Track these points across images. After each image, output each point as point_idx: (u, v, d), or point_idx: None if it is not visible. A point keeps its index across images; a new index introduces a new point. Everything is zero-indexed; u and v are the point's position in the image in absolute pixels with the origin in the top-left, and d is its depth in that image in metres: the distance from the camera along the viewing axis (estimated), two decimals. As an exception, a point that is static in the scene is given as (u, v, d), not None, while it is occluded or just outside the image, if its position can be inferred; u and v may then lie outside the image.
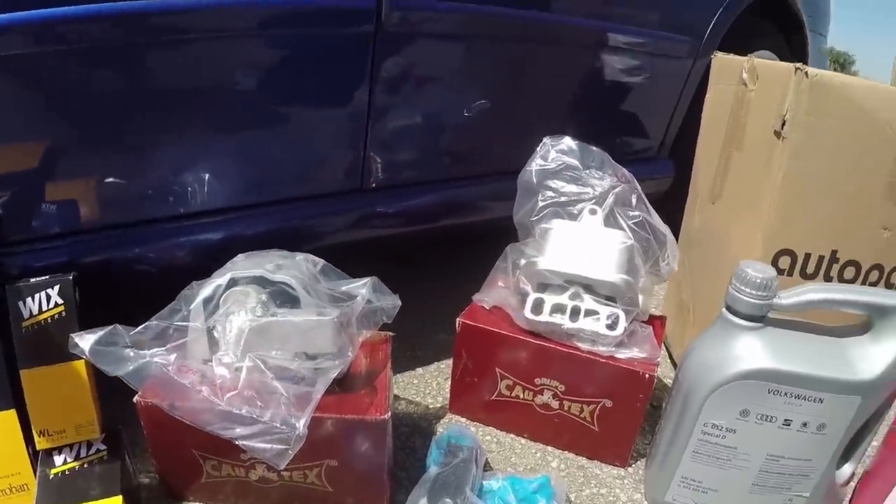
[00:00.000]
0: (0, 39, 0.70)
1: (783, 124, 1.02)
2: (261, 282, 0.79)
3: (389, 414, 0.78)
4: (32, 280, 0.78)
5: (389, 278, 0.90)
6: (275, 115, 0.98)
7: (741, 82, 1.16)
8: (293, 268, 0.83)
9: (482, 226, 1.33)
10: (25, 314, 0.77)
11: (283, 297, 0.80)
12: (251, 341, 0.75)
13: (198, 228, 0.98)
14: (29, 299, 0.77)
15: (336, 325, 0.77)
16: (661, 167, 1.71)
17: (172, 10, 0.81)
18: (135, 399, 0.78)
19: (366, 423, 0.77)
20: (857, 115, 1.00)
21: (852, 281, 1.11)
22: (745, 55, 1.46)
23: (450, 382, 1.11)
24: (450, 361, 1.10)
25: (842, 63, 26.60)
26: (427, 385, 1.23)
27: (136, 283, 0.96)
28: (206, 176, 0.95)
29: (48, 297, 0.78)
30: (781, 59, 2.03)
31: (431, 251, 1.58)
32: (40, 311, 0.77)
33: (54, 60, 0.75)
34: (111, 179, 0.87)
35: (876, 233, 1.08)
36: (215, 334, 0.76)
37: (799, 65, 1.00)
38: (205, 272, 0.83)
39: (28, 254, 0.85)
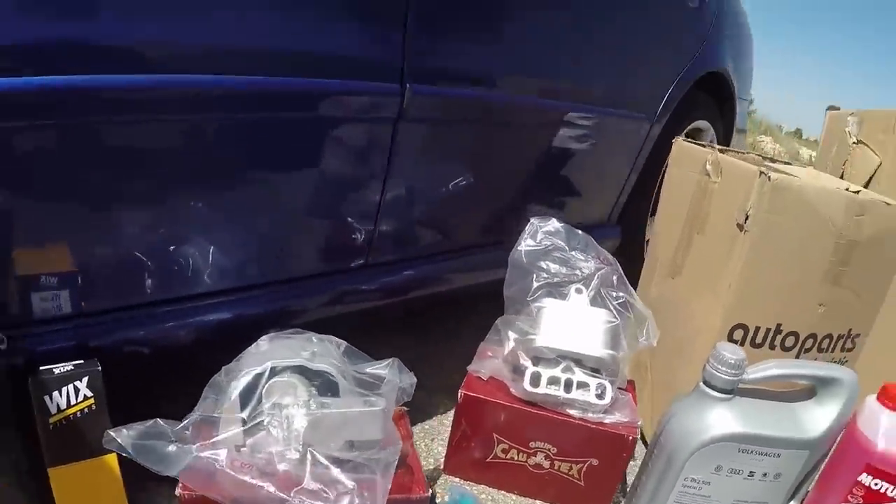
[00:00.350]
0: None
1: (746, 218, 1.15)
2: (301, 370, 0.85)
3: (430, 491, 0.86)
4: (56, 370, 0.76)
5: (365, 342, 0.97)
6: (294, 195, 1.04)
7: (705, 173, 1.30)
8: (326, 353, 0.90)
9: (462, 292, 1.43)
10: (53, 409, 0.74)
11: (325, 385, 0.86)
12: (308, 434, 0.80)
13: (206, 309, 1.01)
14: (56, 393, 0.74)
15: (384, 414, 0.84)
16: (610, 232, 1.86)
17: (204, 91, 0.84)
18: (177, 492, 0.79)
19: (411, 502, 0.84)
20: (807, 213, 1.16)
21: (791, 348, 1.27)
22: (684, 126, 1.60)
23: (437, 443, 1.19)
24: (432, 422, 1.18)
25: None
26: (416, 446, 1.29)
27: (141, 362, 0.97)
28: (223, 257, 0.99)
29: (76, 390, 0.76)
30: (714, 127, 2.24)
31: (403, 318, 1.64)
32: (69, 406, 0.75)
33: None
34: (127, 261, 0.89)
35: (813, 308, 1.24)
36: (272, 429, 0.81)
37: (763, 168, 1.14)
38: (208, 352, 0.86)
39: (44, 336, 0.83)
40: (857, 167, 1.82)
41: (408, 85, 1.04)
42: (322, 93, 0.96)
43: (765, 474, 1.04)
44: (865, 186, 1.72)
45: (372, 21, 0.98)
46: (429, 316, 1.58)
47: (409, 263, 1.29)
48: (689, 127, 2.08)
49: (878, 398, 0.99)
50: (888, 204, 1.23)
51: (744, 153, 1.53)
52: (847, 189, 1.24)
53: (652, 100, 1.77)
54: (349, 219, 1.13)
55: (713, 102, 2.20)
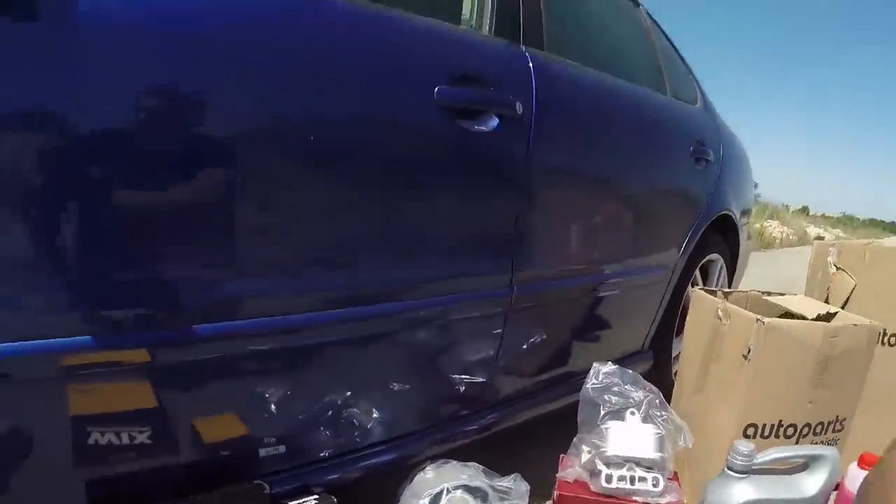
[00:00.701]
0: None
1: (748, 351, 1.64)
2: (465, 488, 1.33)
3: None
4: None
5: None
6: (445, 374, 1.54)
7: (717, 317, 1.79)
8: (475, 476, 1.38)
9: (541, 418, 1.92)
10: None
11: (481, 497, 1.34)
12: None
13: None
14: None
15: None
16: (645, 356, 2.36)
17: (399, 312, 1.35)
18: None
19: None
20: (793, 343, 1.64)
21: (792, 436, 1.72)
22: (699, 262, 2.09)
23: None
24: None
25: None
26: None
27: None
28: (396, 415, 1.48)
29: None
30: (723, 257, 2.75)
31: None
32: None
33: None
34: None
35: (804, 405, 1.70)
36: None
37: (760, 318, 1.63)
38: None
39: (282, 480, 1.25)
40: (837, 289, 2.31)
41: (514, 287, 1.56)
42: (466, 301, 1.49)
43: None
44: (844, 305, 2.22)
45: (493, 253, 1.52)
46: (520, 442, 2.05)
47: (506, 406, 1.80)
48: (704, 261, 2.59)
49: (858, 464, 1.50)
50: (855, 325, 1.72)
51: (747, 292, 2.03)
52: (826, 313, 1.73)
53: (673, 252, 2.28)
54: (474, 381, 1.64)
55: (721, 238, 2.72)
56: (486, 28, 1.48)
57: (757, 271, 5.89)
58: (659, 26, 2.60)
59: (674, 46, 2.70)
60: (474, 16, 1.49)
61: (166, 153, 0.93)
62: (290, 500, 1.17)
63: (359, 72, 1.16)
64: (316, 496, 1.19)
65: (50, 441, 0.93)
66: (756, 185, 3.41)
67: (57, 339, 0.86)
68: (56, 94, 0.82)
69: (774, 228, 14.50)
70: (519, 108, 1.42)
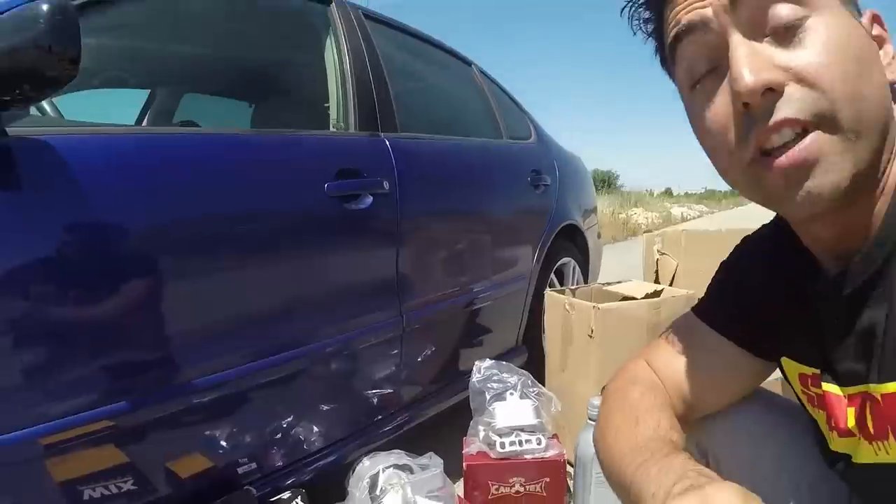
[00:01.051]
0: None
1: (592, 332, 2.18)
2: (395, 466, 1.80)
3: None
4: (283, 497, 1.65)
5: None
6: (360, 391, 2.00)
7: (566, 309, 2.33)
8: (400, 457, 1.84)
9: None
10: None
11: (407, 469, 1.80)
12: (414, 490, 1.75)
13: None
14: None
15: (443, 474, 1.79)
16: (521, 350, 2.88)
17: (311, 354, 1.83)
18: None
19: (461, 515, 1.78)
20: (627, 320, 2.18)
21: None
22: (553, 266, 2.65)
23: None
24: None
25: (606, 180, 30.55)
26: None
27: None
28: (329, 429, 1.93)
29: None
30: (575, 259, 3.32)
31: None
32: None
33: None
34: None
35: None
36: (392, 493, 1.75)
37: (596, 305, 2.17)
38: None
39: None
40: (663, 270, 2.92)
41: (403, 315, 2.05)
42: (369, 332, 1.95)
43: None
44: (671, 282, 2.83)
45: (383, 293, 1.99)
46: (429, 433, 2.52)
47: (414, 406, 2.27)
48: (557, 264, 3.15)
49: None
50: (674, 297, 2.28)
51: (591, 286, 2.59)
52: (654, 291, 2.29)
53: (528, 263, 2.82)
54: (386, 391, 2.10)
55: (571, 244, 3.29)
56: (352, 125, 1.97)
57: (617, 259, 6.59)
58: (490, 78, 3.16)
59: (506, 92, 3.27)
60: (341, 117, 1.97)
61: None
62: (272, 498, 1.60)
63: (275, 181, 1.64)
64: (289, 492, 1.62)
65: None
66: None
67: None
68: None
69: (639, 215, 15.47)
70: (386, 185, 1.91)
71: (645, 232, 3.63)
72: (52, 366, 1.19)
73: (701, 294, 1.02)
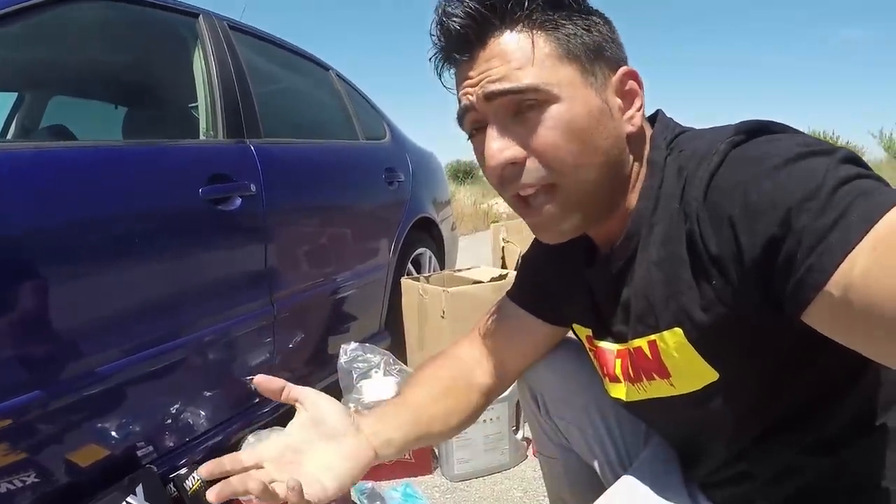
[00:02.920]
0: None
1: (443, 312, 2.44)
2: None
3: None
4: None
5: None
6: (225, 377, 2.17)
7: (420, 294, 2.58)
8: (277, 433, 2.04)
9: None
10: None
11: None
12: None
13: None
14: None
15: None
16: (384, 336, 3.10)
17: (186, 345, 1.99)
18: None
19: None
20: (474, 300, 2.45)
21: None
22: (410, 256, 2.91)
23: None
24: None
25: (469, 171, 31.42)
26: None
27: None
28: (212, 412, 2.09)
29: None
30: (430, 249, 3.57)
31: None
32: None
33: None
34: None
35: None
36: None
37: (445, 288, 2.43)
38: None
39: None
40: (509, 256, 3.22)
41: (274, 304, 2.23)
42: (244, 321, 2.11)
43: (490, 419, 2.22)
44: (515, 267, 3.12)
45: (255, 285, 2.16)
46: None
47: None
48: (414, 254, 3.40)
49: None
50: (513, 280, 2.58)
51: (443, 273, 2.86)
52: (499, 275, 2.57)
53: (385, 254, 3.05)
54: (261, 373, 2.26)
55: (427, 235, 3.56)
56: (220, 133, 2.13)
57: (476, 249, 6.90)
58: (348, 82, 3.36)
59: (362, 94, 3.48)
60: (210, 126, 2.13)
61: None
62: (171, 473, 1.76)
63: (155, 188, 1.79)
64: (185, 468, 1.77)
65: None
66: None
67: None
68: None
69: (501, 205, 15.85)
70: (253, 187, 2.08)
71: (492, 222, 3.95)
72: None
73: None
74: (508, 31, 0.83)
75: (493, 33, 0.84)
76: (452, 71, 0.91)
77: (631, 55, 0.92)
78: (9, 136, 2.52)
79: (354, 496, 2.06)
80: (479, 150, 0.90)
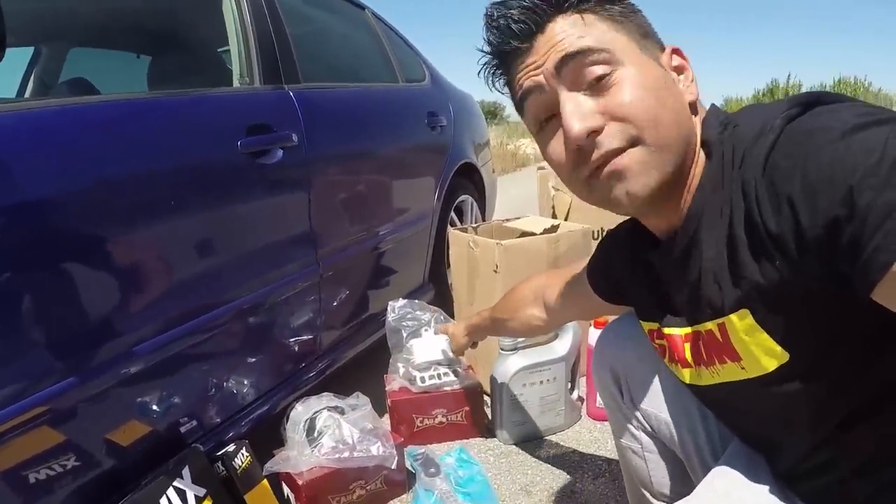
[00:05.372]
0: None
1: (497, 267, 2.30)
2: (328, 408, 1.88)
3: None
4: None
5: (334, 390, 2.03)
6: (284, 333, 2.06)
7: (470, 247, 2.43)
8: (331, 400, 1.92)
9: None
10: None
11: (340, 411, 1.89)
12: (348, 432, 1.83)
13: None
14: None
15: (372, 411, 1.89)
16: (427, 288, 3.00)
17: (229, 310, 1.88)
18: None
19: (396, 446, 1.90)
20: (528, 254, 2.30)
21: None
22: (453, 203, 2.76)
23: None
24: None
25: (494, 111, 31.24)
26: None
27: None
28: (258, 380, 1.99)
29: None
30: (472, 196, 3.43)
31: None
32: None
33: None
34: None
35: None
36: (328, 436, 1.82)
37: (499, 241, 2.28)
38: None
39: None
40: (559, 206, 3.05)
41: (320, 263, 2.10)
42: (290, 282, 2.00)
43: (547, 380, 2.16)
44: (566, 217, 2.97)
45: (301, 244, 2.03)
46: (352, 375, 2.61)
47: (336, 349, 2.35)
48: (457, 202, 3.26)
49: (594, 325, 2.17)
50: (571, 231, 2.42)
51: (491, 223, 2.71)
52: (552, 226, 2.42)
53: (429, 203, 2.91)
54: (308, 338, 2.16)
55: (468, 181, 3.40)
56: (256, 80, 1.97)
57: (509, 192, 6.77)
58: (384, 21, 3.18)
59: (399, 35, 3.30)
60: (245, 71, 1.97)
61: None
62: (217, 452, 1.65)
63: (190, 142, 1.65)
64: (233, 445, 1.66)
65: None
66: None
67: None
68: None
69: (527, 146, 15.71)
70: (294, 137, 1.93)
71: (538, 168, 3.80)
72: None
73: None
74: (562, 16, 0.88)
75: (549, 20, 0.88)
76: (503, 81, 0.98)
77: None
78: (27, 94, 2.37)
79: (408, 462, 1.98)
80: (548, 140, 0.94)
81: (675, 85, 0.90)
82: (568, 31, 0.87)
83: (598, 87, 0.86)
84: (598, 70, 0.85)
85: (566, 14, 0.87)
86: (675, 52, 0.93)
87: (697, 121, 0.92)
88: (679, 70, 0.93)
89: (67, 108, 1.42)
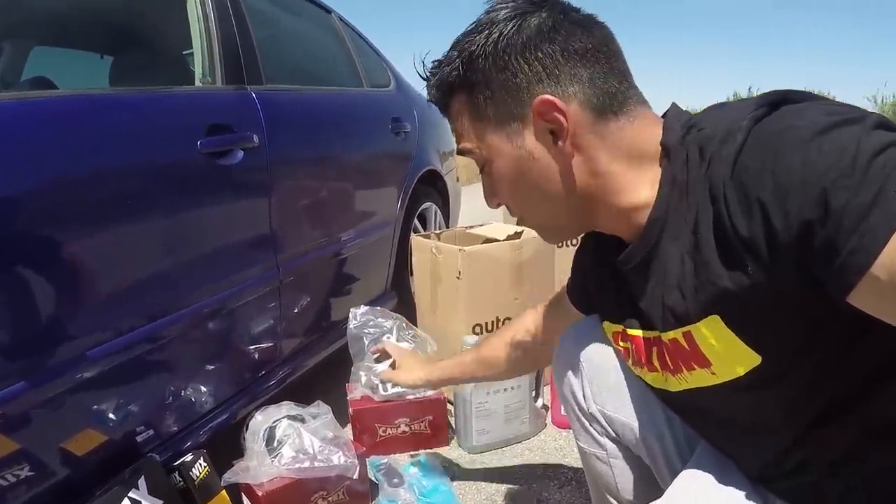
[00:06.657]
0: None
1: (459, 273, 2.27)
2: (288, 417, 1.83)
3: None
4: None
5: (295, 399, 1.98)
6: (242, 340, 2.01)
7: (433, 253, 2.41)
8: (291, 409, 1.88)
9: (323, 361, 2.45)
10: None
11: (300, 420, 1.84)
12: (308, 441, 1.78)
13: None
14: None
15: (333, 420, 1.85)
16: (391, 296, 2.97)
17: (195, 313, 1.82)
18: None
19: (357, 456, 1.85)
20: (492, 260, 2.29)
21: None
22: (416, 211, 2.73)
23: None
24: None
25: None
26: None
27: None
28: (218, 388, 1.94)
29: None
30: (436, 204, 3.41)
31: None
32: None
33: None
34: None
35: (512, 302, 2.37)
36: (287, 446, 1.78)
37: (462, 247, 2.26)
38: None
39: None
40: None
41: (280, 268, 2.06)
42: (249, 287, 1.94)
43: (512, 387, 2.13)
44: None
45: (260, 248, 1.98)
46: (313, 384, 2.56)
47: (296, 357, 2.30)
48: (420, 209, 3.23)
49: None
50: (535, 237, 2.40)
51: (454, 230, 2.68)
52: (515, 233, 2.40)
53: (392, 210, 2.88)
54: (268, 345, 2.12)
55: (432, 189, 3.38)
56: (218, 79, 1.93)
57: (478, 202, 6.73)
58: (350, 26, 3.15)
59: (365, 40, 3.27)
60: (207, 71, 1.92)
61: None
62: (175, 461, 1.59)
63: (146, 142, 1.58)
64: (191, 454, 1.61)
65: None
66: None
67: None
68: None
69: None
70: (255, 139, 1.89)
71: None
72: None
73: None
74: (452, 100, 0.99)
75: (448, 100, 0.99)
76: None
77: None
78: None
79: (371, 473, 1.94)
80: None
81: (543, 159, 0.92)
82: (455, 125, 1.00)
83: (485, 173, 1.01)
84: (480, 163, 0.99)
85: (453, 96, 0.98)
86: (544, 103, 0.88)
87: (659, 126, 0.92)
88: (558, 125, 0.89)
89: (26, 103, 1.37)
